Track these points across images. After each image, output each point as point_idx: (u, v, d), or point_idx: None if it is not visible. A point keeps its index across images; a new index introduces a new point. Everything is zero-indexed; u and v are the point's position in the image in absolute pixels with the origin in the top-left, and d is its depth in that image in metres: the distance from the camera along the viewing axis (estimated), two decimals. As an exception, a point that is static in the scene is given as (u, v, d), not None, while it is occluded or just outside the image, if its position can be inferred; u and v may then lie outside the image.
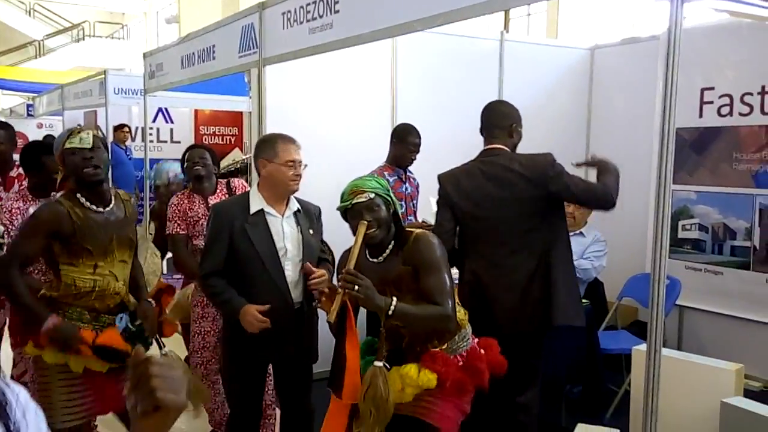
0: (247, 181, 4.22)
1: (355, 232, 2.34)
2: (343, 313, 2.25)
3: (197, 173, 3.54)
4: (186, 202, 3.54)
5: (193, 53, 4.63)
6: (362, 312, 2.48)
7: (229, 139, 8.69)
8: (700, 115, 4.41)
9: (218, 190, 3.62)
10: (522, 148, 3.07)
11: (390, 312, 2.20)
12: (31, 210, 3.13)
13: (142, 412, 0.95)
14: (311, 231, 2.79)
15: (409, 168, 4.13)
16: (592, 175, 3.11)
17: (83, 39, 21.89)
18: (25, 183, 3.63)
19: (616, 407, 3.80)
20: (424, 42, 4.38)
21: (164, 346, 2.80)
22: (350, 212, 2.39)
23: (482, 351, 2.47)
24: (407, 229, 2.48)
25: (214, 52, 4.35)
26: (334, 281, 2.55)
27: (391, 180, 3.95)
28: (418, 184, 4.19)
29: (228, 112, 8.12)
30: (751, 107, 4.16)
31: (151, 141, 7.89)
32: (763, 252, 4.19)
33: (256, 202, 2.74)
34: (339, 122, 4.42)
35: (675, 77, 1.99)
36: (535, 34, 13.49)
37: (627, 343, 3.89)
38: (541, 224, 2.89)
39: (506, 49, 5.05)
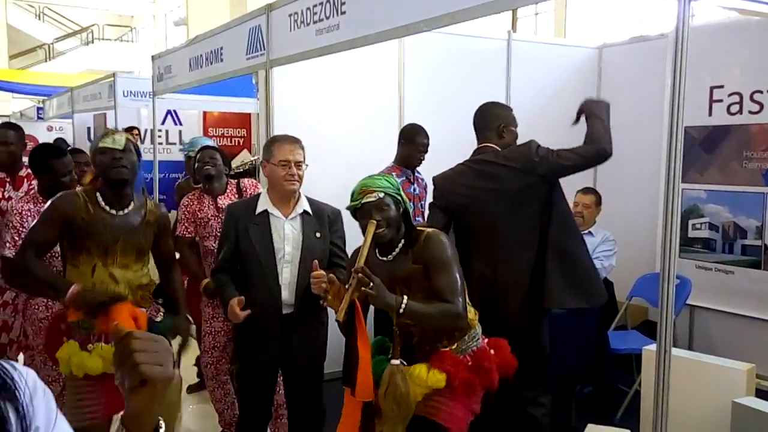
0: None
1: (364, 231, 2.34)
2: (351, 311, 2.25)
3: (207, 173, 3.56)
4: (196, 203, 3.57)
5: (201, 55, 4.65)
6: (370, 311, 2.48)
7: (238, 140, 8.71)
8: (710, 114, 4.39)
9: (228, 191, 3.64)
10: (530, 147, 3.07)
11: (401, 310, 2.20)
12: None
13: (130, 388, 0.95)
14: (318, 235, 2.78)
15: (417, 168, 4.13)
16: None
17: (92, 42, 22.04)
18: (34, 182, 3.69)
19: (627, 408, 3.78)
20: (431, 42, 4.38)
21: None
22: (360, 211, 2.39)
23: (492, 351, 2.47)
24: (417, 228, 2.49)
25: (221, 54, 4.36)
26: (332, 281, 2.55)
27: (399, 180, 3.93)
28: (426, 185, 4.18)
29: (236, 113, 8.13)
30: (761, 105, 4.14)
31: (160, 143, 7.92)
32: (774, 251, 4.17)
33: (263, 203, 2.77)
34: (346, 123, 4.43)
35: (683, 76, 1.98)
36: (542, 33, 13.47)
37: (637, 343, 3.88)
38: (536, 213, 2.91)
39: (513, 48, 5.03)
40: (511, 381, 2.55)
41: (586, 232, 4.34)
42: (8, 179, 3.77)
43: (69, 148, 4.72)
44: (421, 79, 4.65)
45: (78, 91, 8.43)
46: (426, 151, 4.03)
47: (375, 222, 2.32)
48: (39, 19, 23.00)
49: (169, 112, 8.21)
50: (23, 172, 3.82)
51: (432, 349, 2.38)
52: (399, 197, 2.41)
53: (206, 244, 3.53)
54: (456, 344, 2.40)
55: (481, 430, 2.57)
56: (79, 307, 2.50)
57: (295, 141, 2.78)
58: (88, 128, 8.94)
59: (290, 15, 3.40)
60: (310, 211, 2.80)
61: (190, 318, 3.18)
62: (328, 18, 3.07)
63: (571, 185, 4.22)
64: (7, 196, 3.71)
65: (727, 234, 4.38)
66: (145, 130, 8.47)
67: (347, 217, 2.53)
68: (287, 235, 2.73)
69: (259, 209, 2.75)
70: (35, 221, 2.73)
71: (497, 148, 3.01)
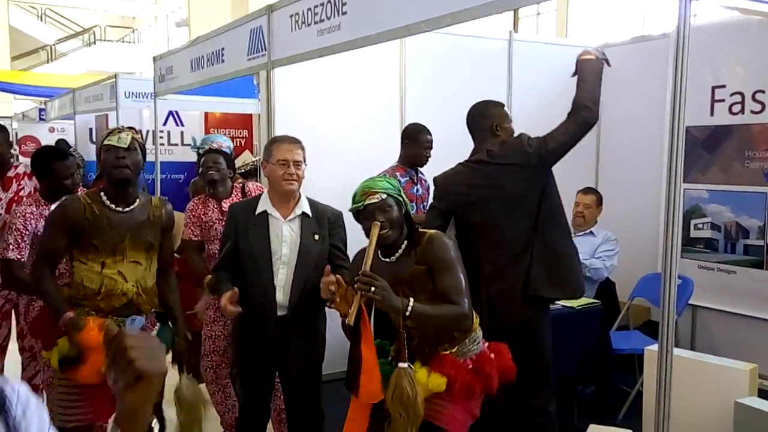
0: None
1: (367, 233, 2.34)
2: (358, 314, 2.24)
3: (210, 177, 3.56)
4: (201, 207, 3.57)
5: (203, 56, 4.65)
6: (371, 314, 2.48)
7: (239, 141, 8.69)
8: (712, 114, 4.38)
9: (233, 194, 3.63)
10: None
11: (408, 313, 2.19)
12: (45, 213, 3.17)
13: (125, 386, 0.96)
14: (316, 237, 2.77)
15: (420, 169, 4.12)
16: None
17: (94, 43, 22.07)
18: (24, 182, 3.71)
19: (629, 408, 3.78)
20: (432, 42, 4.37)
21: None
22: (362, 213, 2.39)
23: (492, 356, 2.47)
24: (419, 230, 2.48)
25: (223, 55, 4.36)
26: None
27: (402, 181, 3.94)
28: (428, 186, 4.18)
29: (238, 114, 8.13)
30: (763, 105, 4.13)
31: (162, 144, 7.93)
32: (776, 250, 4.16)
33: (263, 204, 2.78)
34: (348, 123, 4.43)
35: (685, 75, 1.97)
36: (544, 33, 13.46)
37: (639, 343, 3.88)
38: (534, 209, 2.90)
39: (515, 48, 5.03)
40: (515, 388, 2.54)
41: (587, 232, 4.34)
42: None
43: (70, 149, 4.72)
44: (422, 79, 4.65)
45: (80, 92, 8.44)
46: (431, 147, 4.03)
47: (379, 223, 2.31)
48: (41, 20, 23.03)
49: (170, 113, 8.21)
50: (11, 173, 3.81)
51: (432, 352, 2.37)
52: (401, 198, 2.41)
53: (210, 248, 3.52)
54: (456, 347, 2.39)
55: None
56: (65, 330, 2.53)
57: (294, 141, 2.77)
58: (90, 129, 8.94)
59: (291, 16, 3.40)
60: (309, 212, 2.79)
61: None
62: (329, 18, 3.07)
63: (571, 185, 4.22)
64: None
65: (729, 234, 4.37)
66: (147, 131, 8.47)
67: (347, 219, 2.52)
68: (285, 237, 2.73)
69: (259, 210, 2.76)
70: (42, 232, 2.76)
71: (491, 148, 2.99)
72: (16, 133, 12.06)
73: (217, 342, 3.48)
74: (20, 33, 21.81)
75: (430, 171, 4.07)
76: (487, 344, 2.51)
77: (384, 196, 2.36)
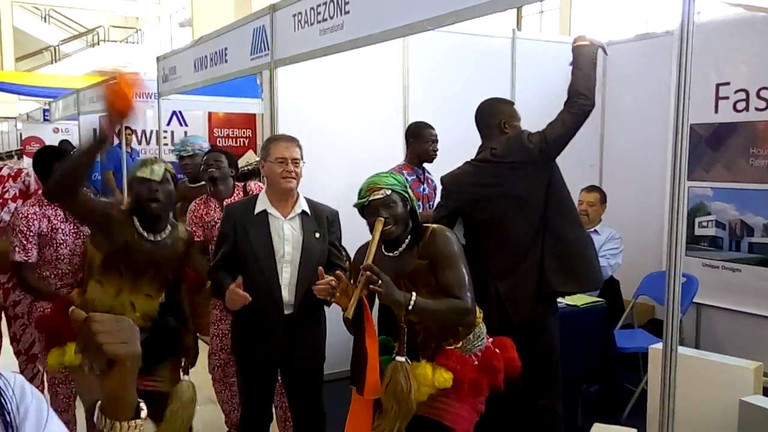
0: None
1: (372, 228, 2.34)
2: (360, 309, 2.23)
3: (211, 175, 3.56)
4: (202, 207, 3.57)
5: (206, 56, 4.66)
6: (374, 311, 2.47)
7: (243, 141, 8.72)
8: (716, 111, 4.37)
9: (235, 194, 3.63)
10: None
11: (410, 307, 2.19)
12: (48, 213, 3.17)
13: (100, 372, 0.95)
14: (317, 235, 2.77)
15: (427, 168, 4.12)
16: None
17: (98, 44, 22.11)
18: (8, 184, 3.70)
19: (633, 406, 3.77)
20: (435, 41, 4.37)
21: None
22: (367, 209, 2.39)
23: (497, 350, 2.46)
24: (423, 224, 2.48)
25: (226, 54, 4.37)
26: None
27: (409, 179, 3.93)
28: (435, 185, 4.16)
29: (241, 114, 8.15)
30: (768, 102, 4.12)
31: (166, 144, 7.95)
32: (781, 248, 4.15)
33: (261, 203, 2.76)
34: (351, 122, 4.42)
35: (689, 73, 1.96)
36: (547, 31, 13.44)
37: (643, 341, 3.86)
38: (540, 205, 2.89)
39: (518, 46, 5.02)
40: (522, 386, 2.53)
41: (591, 230, 4.32)
42: None
43: (74, 149, 4.71)
44: (425, 78, 4.64)
45: (84, 92, 8.45)
46: (437, 141, 4.02)
47: (383, 219, 2.31)
48: (45, 21, 23.07)
49: (174, 113, 8.22)
50: (5, 172, 3.79)
51: (437, 348, 2.37)
52: (406, 194, 2.41)
53: (213, 248, 3.52)
54: (461, 343, 2.38)
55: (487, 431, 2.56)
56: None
57: (291, 139, 2.78)
58: (94, 130, 8.94)
59: (294, 15, 3.41)
60: (308, 211, 2.79)
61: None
62: (332, 18, 3.07)
63: (575, 183, 4.20)
64: None
65: (733, 232, 4.36)
66: (151, 132, 8.49)
67: (348, 216, 2.52)
68: (287, 235, 2.72)
69: (257, 209, 2.74)
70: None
71: (496, 147, 2.98)
72: (21, 134, 12.08)
73: (225, 340, 3.47)
74: (24, 34, 21.87)
75: (435, 169, 4.07)
76: (490, 339, 2.50)
77: (389, 192, 2.36)
